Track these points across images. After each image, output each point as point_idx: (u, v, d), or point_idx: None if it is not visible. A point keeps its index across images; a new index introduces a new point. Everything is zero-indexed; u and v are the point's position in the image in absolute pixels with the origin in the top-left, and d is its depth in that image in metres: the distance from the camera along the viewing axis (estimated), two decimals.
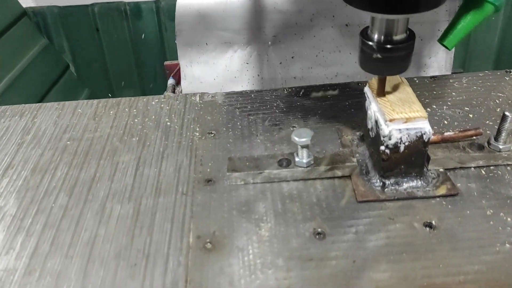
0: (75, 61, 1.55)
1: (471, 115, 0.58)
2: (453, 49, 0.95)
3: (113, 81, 1.62)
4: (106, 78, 1.60)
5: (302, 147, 0.47)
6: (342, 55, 0.90)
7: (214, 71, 0.91)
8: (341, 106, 0.61)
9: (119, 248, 0.42)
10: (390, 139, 0.44)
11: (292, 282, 0.38)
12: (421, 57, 0.92)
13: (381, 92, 0.47)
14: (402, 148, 0.45)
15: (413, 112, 0.44)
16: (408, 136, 0.44)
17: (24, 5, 1.41)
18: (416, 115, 0.44)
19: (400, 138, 0.44)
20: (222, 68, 0.90)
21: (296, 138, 0.46)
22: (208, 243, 0.42)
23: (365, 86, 0.50)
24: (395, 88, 0.48)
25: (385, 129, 0.44)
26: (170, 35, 1.47)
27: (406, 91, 0.47)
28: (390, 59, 0.44)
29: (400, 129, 0.44)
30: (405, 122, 0.44)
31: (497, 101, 0.60)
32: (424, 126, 0.44)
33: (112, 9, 1.48)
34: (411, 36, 0.44)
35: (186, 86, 0.94)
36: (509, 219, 0.43)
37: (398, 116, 0.44)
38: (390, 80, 0.49)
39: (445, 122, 0.57)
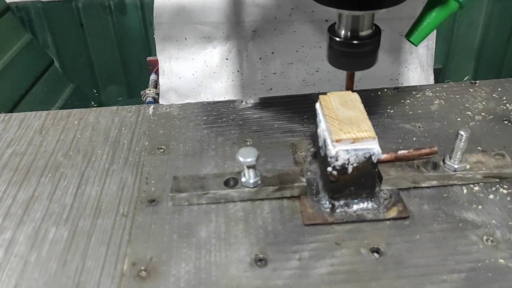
0: (59, 56, 1.54)
1: (430, 130, 0.56)
2: (434, 45, 0.93)
3: (98, 76, 1.60)
4: (91, 73, 1.59)
5: (248, 167, 0.45)
6: (322, 51, 0.88)
7: (193, 66, 0.89)
8: (298, 119, 0.58)
9: (48, 276, 0.40)
10: (337, 160, 0.42)
11: None
12: (402, 53, 0.90)
13: (350, 87, 0.50)
14: (350, 169, 0.43)
15: (361, 132, 0.42)
16: (356, 157, 0.42)
17: (7, 0, 1.40)
18: (364, 135, 0.42)
19: (348, 159, 0.42)
20: (201, 64, 0.88)
21: (241, 159, 0.44)
22: (143, 271, 0.40)
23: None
24: (346, 105, 0.46)
25: (331, 150, 0.42)
26: None
27: (358, 109, 0.45)
28: (356, 55, 0.47)
29: (347, 150, 0.42)
30: (353, 142, 0.42)
31: (458, 115, 0.58)
32: (373, 147, 0.42)
33: (96, 5, 1.47)
34: (377, 31, 0.46)
35: (164, 82, 0.91)
36: (459, 245, 0.41)
37: (345, 136, 0.42)
38: (342, 96, 0.47)
39: (404, 137, 0.55)
